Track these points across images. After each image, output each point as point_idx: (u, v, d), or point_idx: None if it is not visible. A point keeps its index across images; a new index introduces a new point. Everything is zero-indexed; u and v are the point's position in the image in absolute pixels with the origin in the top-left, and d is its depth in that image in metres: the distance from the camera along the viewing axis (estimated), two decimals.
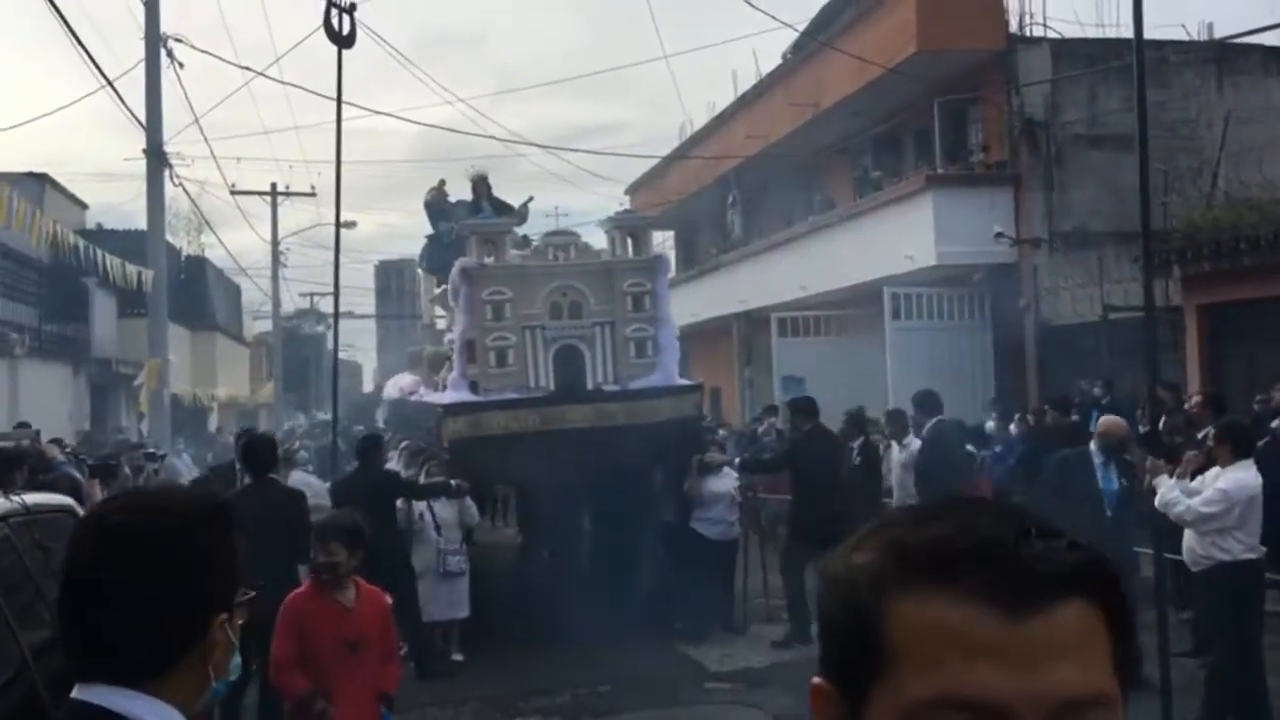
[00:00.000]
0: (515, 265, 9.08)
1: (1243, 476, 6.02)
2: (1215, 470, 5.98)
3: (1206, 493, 6.00)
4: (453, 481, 8.12)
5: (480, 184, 11.23)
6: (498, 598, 8.42)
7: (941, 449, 9.16)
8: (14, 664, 2.54)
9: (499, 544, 10.50)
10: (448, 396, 8.92)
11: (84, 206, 20.75)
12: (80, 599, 1.27)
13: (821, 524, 8.34)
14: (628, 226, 9.76)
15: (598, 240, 10.41)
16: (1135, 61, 6.38)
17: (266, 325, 40.33)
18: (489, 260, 8.95)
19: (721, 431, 14.16)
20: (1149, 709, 5.98)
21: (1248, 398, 10.59)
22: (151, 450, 11.55)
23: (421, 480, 8.43)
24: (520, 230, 11.06)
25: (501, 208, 11.09)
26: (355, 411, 22.74)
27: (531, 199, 11.32)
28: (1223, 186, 13.26)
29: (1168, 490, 5.99)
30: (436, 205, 11.77)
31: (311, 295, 47.69)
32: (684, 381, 9.71)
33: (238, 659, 1.38)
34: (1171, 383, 10.24)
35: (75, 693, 1.27)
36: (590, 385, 8.84)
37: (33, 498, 2.98)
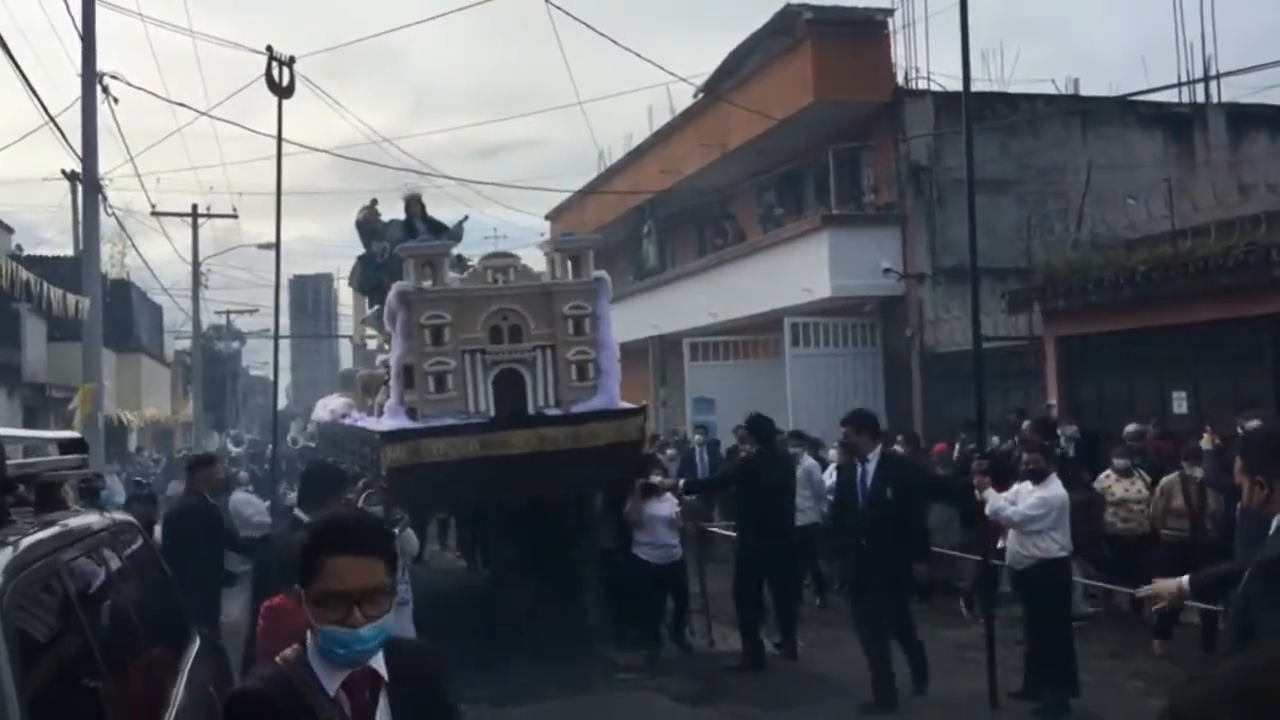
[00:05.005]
0: (454, 289, 8.80)
1: (1056, 488, 7.30)
2: (1027, 485, 7.23)
3: (1030, 499, 7.25)
4: (396, 514, 7.89)
5: (414, 203, 11.03)
6: (443, 618, 8.56)
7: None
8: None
9: (444, 568, 10.78)
10: (385, 423, 8.66)
11: (10, 231, 21.12)
12: None
13: (770, 547, 8.73)
14: (568, 249, 9.30)
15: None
16: (964, 115, 7.56)
17: (183, 343, 40.31)
18: (427, 284, 8.70)
19: (669, 450, 14.35)
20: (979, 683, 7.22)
21: (1098, 418, 12.10)
22: (139, 479, 12.14)
23: (362, 507, 7.90)
24: (455, 250, 10.69)
25: (435, 227, 10.86)
26: (270, 429, 23.13)
27: (466, 218, 11.23)
28: (1087, 228, 14.82)
29: (995, 500, 7.22)
30: (369, 225, 11.48)
31: (228, 313, 47.59)
32: (626, 404, 9.30)
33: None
34: (1020, 409, 11.68)
35: None
36: (531, 410, 8.65)
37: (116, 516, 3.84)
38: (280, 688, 2.13)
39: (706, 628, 9.58)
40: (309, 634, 2.19)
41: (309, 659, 2.16)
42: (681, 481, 10.25)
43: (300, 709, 2.10)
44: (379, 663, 2.19)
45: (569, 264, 9.12)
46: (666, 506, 9.19)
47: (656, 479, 9.37)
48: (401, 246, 9.62)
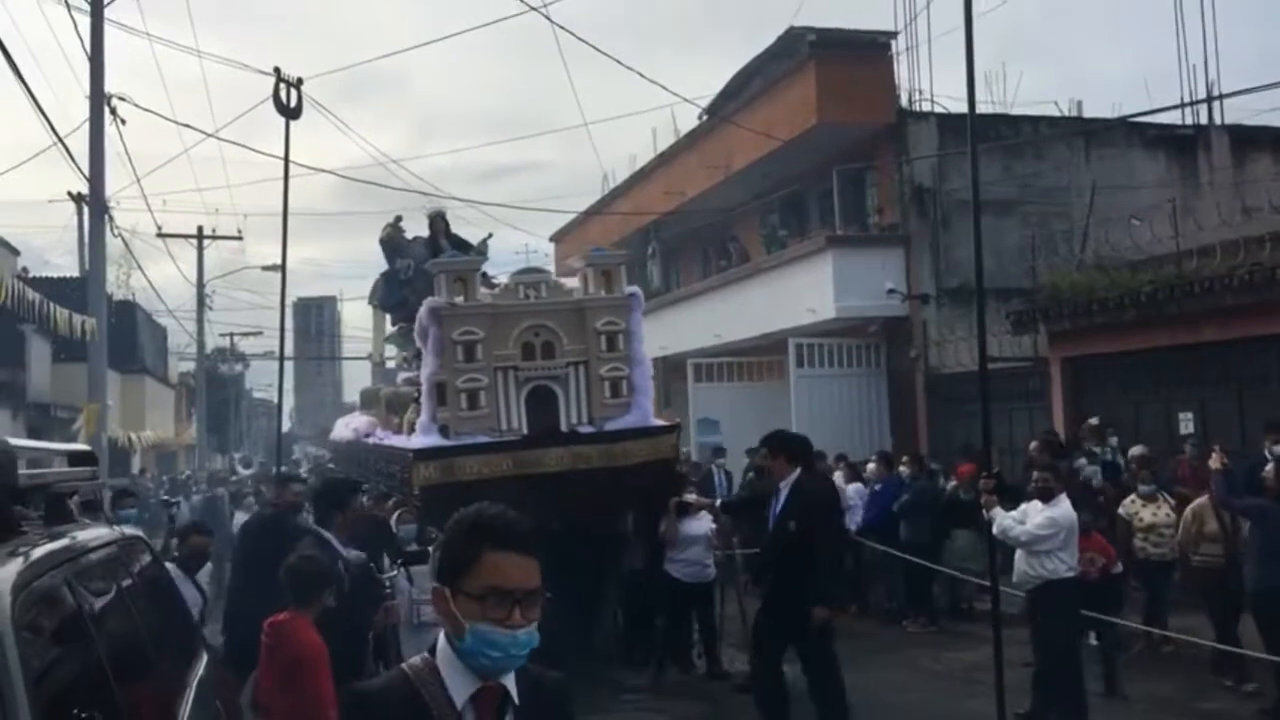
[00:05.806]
0: (486, 304, 8.66)
1: (1065, 508, 7.27)
2: (1036, 504, 7.20)
3: (1038, 519, 7.21)
4: (429, 533, 7.44)
5: (438, 221, 10.94)
6: None
7: None
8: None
9: None
10: (417, 441, 8.50)
11: (16, 252, 21.21)
12: None
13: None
14: (600, 265, 9.11)
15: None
16: (969, 136, 7.47)
17: (187, 365, 40.36)
18: (459, 299, 8.54)
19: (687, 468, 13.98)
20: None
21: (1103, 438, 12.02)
22: (166, 498, 12.08)
23: (394, 526, 7.81)
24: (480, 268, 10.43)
25: (460, 245, 10.83)
26: (273, 452, 23.01)
27: (490, 235, 11.13)
28: (1091, 248, 14.83)
29: (1003, 518, 7.18)
30: (393, 242, 11.40)
31: (231, 335, 47.72)
32: (660, 422, 9.17)
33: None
34: (1048, 430, 11.65)
35: None
36: (564, 427, 8.51)
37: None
38: (402, 690, 1.96)
39: (714, 649, 9.49)
40: (441, 637, 2.00)
41: (439, 664, 1.97)
42: (719, 501, 10.12)
43: (421, 718, 1.93)
44: (510, 682, 1.99)
45: (601, 279, 8.95)
46: (702, 525, 9.07)
47: (691, 497, 9.25)
48: (433, 262, 9.42)
